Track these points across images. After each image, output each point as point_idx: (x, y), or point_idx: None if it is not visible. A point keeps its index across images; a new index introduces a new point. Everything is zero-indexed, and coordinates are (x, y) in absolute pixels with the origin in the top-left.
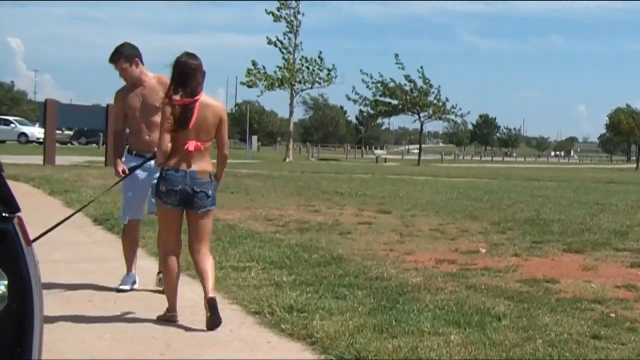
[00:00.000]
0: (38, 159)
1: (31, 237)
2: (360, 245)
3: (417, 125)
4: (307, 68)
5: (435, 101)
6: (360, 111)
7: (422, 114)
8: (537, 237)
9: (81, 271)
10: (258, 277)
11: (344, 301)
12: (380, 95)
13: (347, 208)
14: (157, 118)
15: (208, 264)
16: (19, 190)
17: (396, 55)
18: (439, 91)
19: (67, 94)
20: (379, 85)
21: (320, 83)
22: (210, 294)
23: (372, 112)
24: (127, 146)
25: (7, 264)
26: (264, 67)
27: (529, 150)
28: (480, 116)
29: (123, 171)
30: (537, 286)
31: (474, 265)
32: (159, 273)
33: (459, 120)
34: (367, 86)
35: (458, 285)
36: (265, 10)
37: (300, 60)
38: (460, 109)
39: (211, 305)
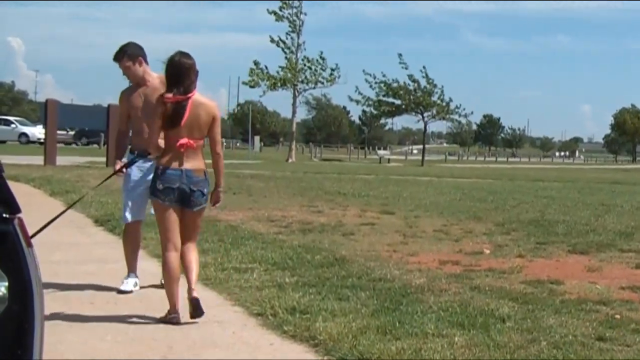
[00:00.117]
0: (39, 160)
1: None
2: (363, 246)
3: (421, 125)
4: (310, 68)
5: (438, 101)
6: (364, 111)
7: (425, 114)
8: (542, 238)
9: (82, 272)
10: (260, 278)
11: (347, 303)
12: (384, 96)
13: (350, 209)
14: None
15: (194, 256)
16: (19, 190)
17: (399, 55)
18: (442, 91)
19: (68, 94)
20: (382, 85)
21: (323, 83)
22: (194, 293)
23: (375, 112)
24: (130, 146)
25: (7, 265)
26: (266, 67)
27: (534, 151)
28: (484, 116)
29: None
30: (542, 287)
31: (478, 266)
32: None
33: (462, 120)
34: (371, 86)
35: (462, 286)
36: (267, 10)
37: (303, 60)
38: (464, 109)
39: (194, 304)
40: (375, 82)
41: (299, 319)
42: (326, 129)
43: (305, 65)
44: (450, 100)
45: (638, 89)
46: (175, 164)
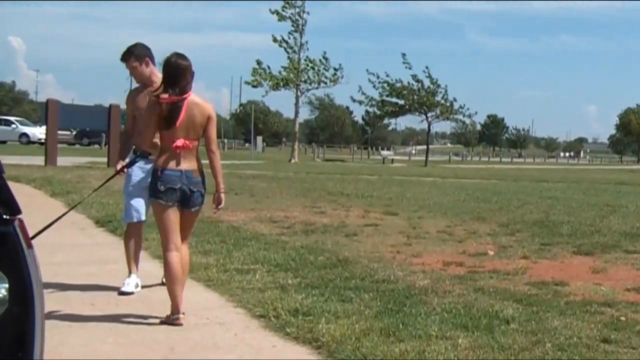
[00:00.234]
0: (39, 160)
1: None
2: (366, 247)
3: (425, 125)
4: (312, 68)
5: (442, 101)
6: (367, 111)
7: (429, 114)
8: (546, 239)
9: (83, 273)
10: (263, 279)
11: (350, 304)
12: (387, 96)
13: (353, 209)
14: None
15: (186, 254)
16: (20, 191)
17: (403, 54)
18: (446, 91)
19: (69, 94)
20: (385, 85)
21: (326, 83)
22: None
23: (378, 112)
24: (133, 146)
25: (7, 266)
26: (269, 67)
27: (538, 151)
28: (489, 116)
29: (121, 169)
30: (546, 289)
31: (482, 267)
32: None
33: (466, 120)
34: (374, 86)
35: (466, 288)
36: (270, 9)
37: (305, 60)
38: (468, 109)
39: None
40: (379, 82)
41: (301, 320)
42: (329, 129)
43: (308, 65)
44: (454, 100)
45: None
46: (173, 165)
